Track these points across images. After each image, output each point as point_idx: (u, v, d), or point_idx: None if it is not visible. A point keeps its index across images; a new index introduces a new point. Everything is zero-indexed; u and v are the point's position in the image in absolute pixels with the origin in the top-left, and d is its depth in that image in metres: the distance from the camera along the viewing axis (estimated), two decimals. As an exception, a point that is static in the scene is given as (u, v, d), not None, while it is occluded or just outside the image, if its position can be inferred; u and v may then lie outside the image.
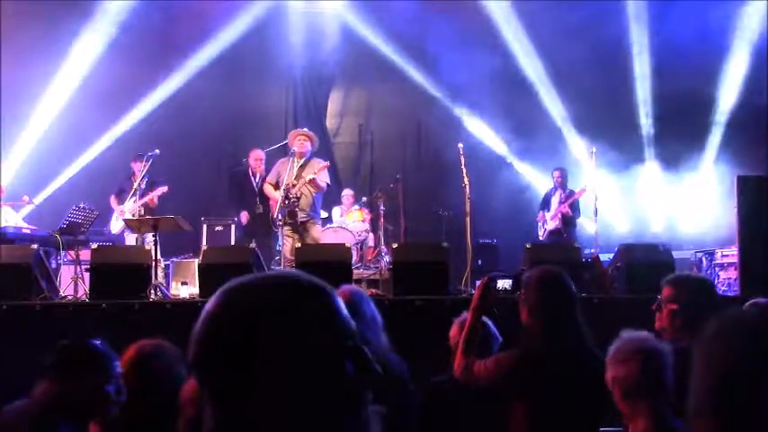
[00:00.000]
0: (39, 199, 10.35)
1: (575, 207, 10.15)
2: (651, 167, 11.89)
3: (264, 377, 1.13)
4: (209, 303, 1.22)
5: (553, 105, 12.01)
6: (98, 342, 2.86)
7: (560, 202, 10.16)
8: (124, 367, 2.99)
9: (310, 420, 1.13)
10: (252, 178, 9.56)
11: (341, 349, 1.19)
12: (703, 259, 9.63)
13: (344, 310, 1.27)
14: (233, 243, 9.76)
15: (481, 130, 12.22)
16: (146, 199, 9.29)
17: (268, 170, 9.28)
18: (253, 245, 8.33)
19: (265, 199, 9.27)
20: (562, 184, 10.34)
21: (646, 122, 11.99)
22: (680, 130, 11.55)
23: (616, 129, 11.61)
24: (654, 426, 2.59)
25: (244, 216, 9.59)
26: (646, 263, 6.96)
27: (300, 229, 8.67)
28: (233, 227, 10.09)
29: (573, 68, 11.46)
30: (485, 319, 3.66)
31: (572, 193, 10.18)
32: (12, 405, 2.78)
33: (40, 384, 2.76)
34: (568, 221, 10.15)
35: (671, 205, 11.81)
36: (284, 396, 1.13)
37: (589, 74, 11.38)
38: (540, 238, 10.26)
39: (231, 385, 1.14)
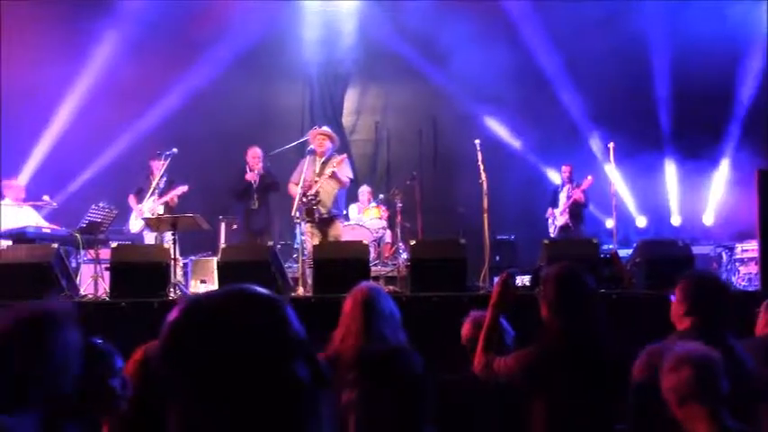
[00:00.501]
0: (59, 199, 10.43)
1: (585, 198, 10.14)
2: (670, 162, 11.82)
3: (218, 382, 1.22)
4: (172, 313, 1.31)
5: (571, 101, 11.96)
6: (98, 340, 2.91)
7: (568, 197, 10.16)
8: (131, 368, 3.03)
9: (264, 422, 1.22)
10: (249, 174, 9.57)
11: (290, 355, 1.28)
12: (723, 254, 9.57)
13: (295, 321, 1.36)
14: (222, 243, 9.77)
15: (498, 127, 12.20)
16: (165, 198, 9.34)
17: (268, 168, 9.39)
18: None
19: (263, 197, 9.35)
20: (570, 179, 10.33)
21: (665, 117, 11.91)
22: (699, 125, 11.47)
23: (634, 123, 11.54)
24: (713, 428, 2.60)
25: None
26: (665, 258, 6.93)
27: (323, 225, 8.67)
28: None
29: (590, 63, 11.40)
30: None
31: (579, 185, 10.18)
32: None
33: None
34: (577, 214, 10.12)
35: (690, 200, 11.74)
36: (236, 400, 1.21)
37: (607, 68, 11.33)
38: (552, 235, 10.23)
39: (189, 388, 1.23)
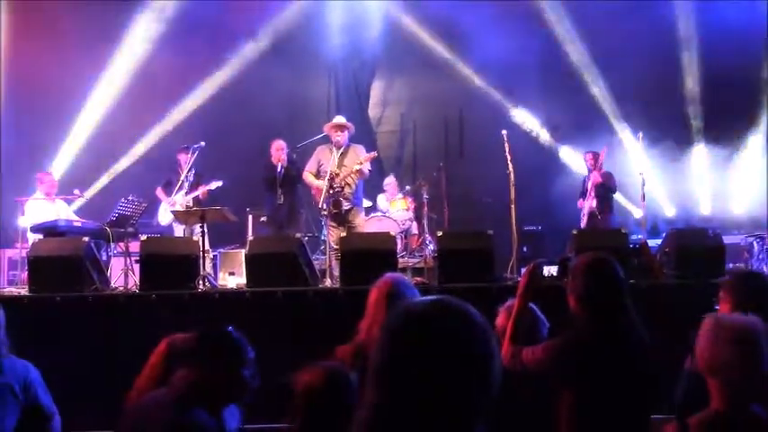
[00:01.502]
0: (89, 192, 10.55)
1: (609, 180, 9.99)
2: (699, 150, 11.68)
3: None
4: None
5: (599, 89, 11.86)
6: (231, 329, 2.95)
7: (593, 183, 10.04)
8: (155, 359, 3.07)
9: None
10: (273, 168, 9.58)
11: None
12: (754, 243, 9.43)
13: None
14: (250, 235, 9.81)
15: (525, 117, 12.13)
16: (198, 192, 9.41)
17: (292, 159, 9.40)
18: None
19: (288, 189, 9.35)
20: (595, 166, 10.17)
21: (694, 106, 11.77)
22: (728, 112, 11.31)
23: (663, 112, 11.42)
24: (728, 406, 2.52)
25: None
26: (695, 248, 6.86)
27: (345, 217, 8.71)
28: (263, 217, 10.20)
29: (618, 51, 11.29)
30: (531, 304, 3.65)
31: (606, 173, 10.05)
32: (152, 393, 2.87)
33: (178, 373, 2.85)
34: (604, 200, 9.98)
35: (720, 189, 11.60)
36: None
37: (634, 56, 11.22)
38: (582, 226, 10.08)
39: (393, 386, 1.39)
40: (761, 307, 3.25)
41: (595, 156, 10.17)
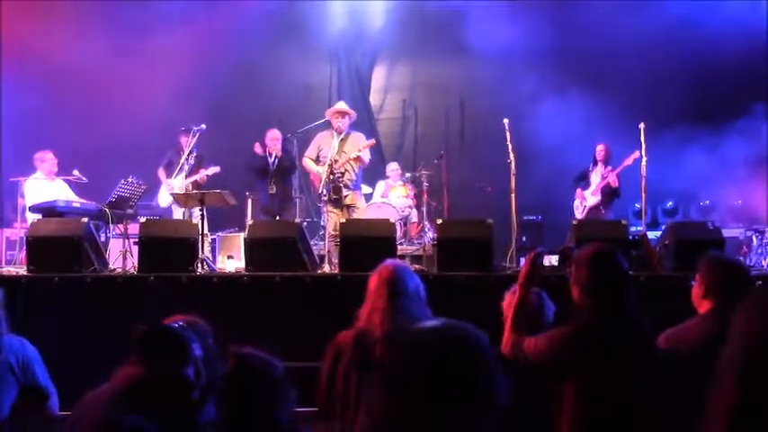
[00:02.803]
0: (88, 173, 10.52)
1: (618, 182, 9.94)
2: (700, 143, 11.64)
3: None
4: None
5: (601, 80, 11.79)
6: (177, 324, 2.83)
7: (603, 177, 9.95)
8: None
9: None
10: (267, 158, 9.57)
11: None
12: (753, 237, 9.43)
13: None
14: (249, 219, 9.81)
15: (527, 105, 12.07)
16: (195, 177, 9.43)
17: (286, 150, 9.40)
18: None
19: (280, 179, 9.36)
20: (605, 159, 10.10)
21: (695, 97, 11.73)
22: (730, 106, 11.27)
23: (665, 103, 11.38)
24: None
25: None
26: (694, 241, 6.85)
27: (344, 203, 8.72)
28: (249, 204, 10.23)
29: (620, 43, 11.25)
30: (539, 291, 3.66)
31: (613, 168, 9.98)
32: (96, 390, 2.77)
33: (120, 369, 2.74)
34: (609, 195, 9.94)
35: (720, 182, 11.56)
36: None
37: (636, 47, 11.18)
38: (579, 217, 10.03)
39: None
40: (732, 294, 3.31)
41: (608, 150, 10.08)
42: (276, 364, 2.70)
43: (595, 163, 10.15)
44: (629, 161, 9.59)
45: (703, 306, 3.52)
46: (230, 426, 2.61)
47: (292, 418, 2.64)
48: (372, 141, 8.92)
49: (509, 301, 3.71)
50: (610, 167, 9.99)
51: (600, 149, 10.14)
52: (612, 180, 9.80)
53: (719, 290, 3.45)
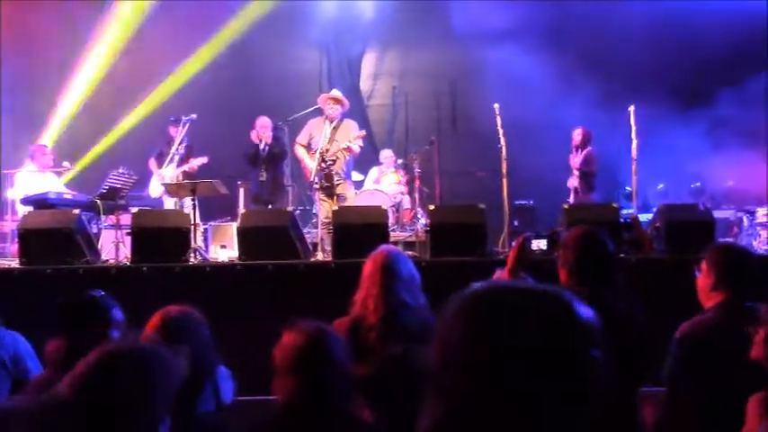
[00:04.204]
0: (79, 165, 10.50)
1: (588, 165, 9.98)
2: (690, 124, 11.66)
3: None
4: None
5: (593, 64, 11.79)
6: (97, 292, 2.92)
7: (580, 161, 10.04)
8: (149, 332, 3.05)
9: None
10: (258, 145, 9.55)
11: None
12: (744, 218, 9.47)
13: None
14: (241, 208, 9.81)
15: (518, 89, 12.07)
16: (185, 167, 9.41)
17: (277, 137, 9.40)
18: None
19: (271, 166, 9.35)
20: (582, 143, 10.12)
21: (685, 78, 11.75)
22: (721, 86, 11.30)
23: (654, 85, 11.39)
24: None
25: None
26: (685, 223, 6.88)
27: (335, 191, 8.74)
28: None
29: (614, 25, 11.25)
30: (525, 275, 3.66)
31: (590, 153, 10.05)
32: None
33: (48, 346, 2.81)
34: (584, 179, 10.02)
35: (711, 163, 11.60)
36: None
37: (629, 30, 11.18)
38: (571, 201, 10.11)
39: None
40: (738, 283, 3.30)
41: (585, 134, 10.12)
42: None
43: (576, 148, 10.19)
44: (585, 151, 9.91)
45: (712, 298, 3.37)
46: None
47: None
48: (363, 133, 8.92)
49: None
50: (587, 151, 10.04)
51: (577, 133, 10.17)
52: (576, 166, 9.91)
53: (731, 281, 3.32)
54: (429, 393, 1.25)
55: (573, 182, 10.06)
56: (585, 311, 1.26)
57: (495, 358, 1.18)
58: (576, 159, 10.10)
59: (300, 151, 8.90)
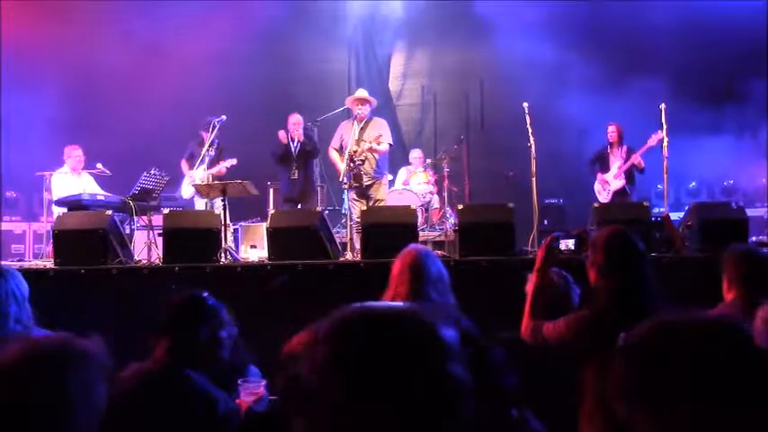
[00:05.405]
0: (111, 166, 10.61)
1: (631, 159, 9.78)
2: (723, 121, 11.51)
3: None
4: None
5: (622, 60, 11.70)
6: (205, 294, 3.02)
7: (623, 159, 9.79)
8: None
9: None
10: (290, 143, 9.57)
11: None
12: (777, 217, 9.34)
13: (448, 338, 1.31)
14: (271, 208, 9.84)
15: (547, 88, 12.00)
16: (215, 169, 9.47)
17: (308, 135, 9.40)
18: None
19: (302, 164, 9.35)
20: (619, 140, 9.92)
21: (717, 73, 11.60)
22: (752, 81, 11.14)
23: (686, 82, 11.26)
24: None
25: None
26: (718, 221, 6.80)
27: (365, 191, 8.75)
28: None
29: (643, 21, 11.14)
30: (565, 273, 3.66)
31: (631, 149, 9.80)
32: (131, 367, 2.93)
33: (159, 342, 2.92)
34: (633, 177, 9.81)
35: (744, 161, 11.44)
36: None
37: (660, 27, 11.07)
38: (602, 201, 9.87)
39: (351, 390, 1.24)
40: (748, 283, 3.38)
41: (619, 130, 9.92)
42: None
43: (611, 145, 9.97)
44: (652, 142, 9.40)
45: (728, 296, 3.59)
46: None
47: None
48: (380, 134, 8.87)
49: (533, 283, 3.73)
50: (625, 147, 9.84)
51: (612, 130, 9.92)
52: (638, 161, 9.63)
53: (741, 282, 3.51)
54: (294, 413, 1.30)
55: (618, 183, 9.79)
56: (445, 331, 1.29)
57: (355, 381, 1.23)
58: (615, 158, 9.87)
59: (334, 155, 8.96)
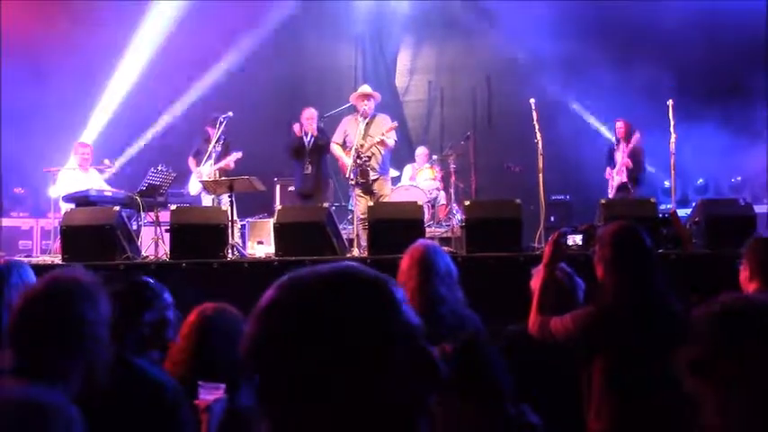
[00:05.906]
0: (119, 162, 10.65)
1: (636, 157, 9.78)
2: (728, 117, 11.47)
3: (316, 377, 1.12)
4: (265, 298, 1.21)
5: (630, 57, 11.66)
6: (149, 279, 3.07)
7: (623, 155, 9.83)
8: (185, 330, 3.10)
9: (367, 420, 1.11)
10: (303, 137, 9.52)
11: (396, 347, 1.14)
12: (786, 213, 9.30)
13: (405, 305, 1.18)
14: (278, 204, 9.82)
15: (554, 85, 11.99)
16: (221, 164, 9.47)
17: (321, 129, 9.38)
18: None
19: (316, 159, 9.32)
20: (626, 136, 9.92)
21: (723, 70, 11.55)
22: (759, 76, 11.10)
23: (693, 78, 11.23)
24: None
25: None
26: (725, 218, 6.79)
27: (371, 187, 8.74)
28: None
29: (650, 19, 11.10)
30: (568, 269, 3.65)
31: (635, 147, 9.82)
32: None
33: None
34: (633, 175, 9.82)
35: (751, 157, 11.40)
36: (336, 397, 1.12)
37: (666, 24, 11.02)
38: (610, 196, 9.90)
39: (283, 385, 1.14)
40: None
41: (627, 126, 9.92)
42: None
43: (618, 141, 9.99)
44: (631, 143, 9.61)
45: (749, 288, 3.46)
46: None
47: None
48: (395, 124, 8.87)
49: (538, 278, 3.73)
50: (631, 144, 9.87)
51: (619, 126, 9.95)
52: (626, 162, 9.68)
53: (764, 271, 3.40)
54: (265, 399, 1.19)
55: (619, 179, 9.82)
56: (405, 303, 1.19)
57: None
58: (619, 154, 9.88)
59: (337, 149, 8.91)
